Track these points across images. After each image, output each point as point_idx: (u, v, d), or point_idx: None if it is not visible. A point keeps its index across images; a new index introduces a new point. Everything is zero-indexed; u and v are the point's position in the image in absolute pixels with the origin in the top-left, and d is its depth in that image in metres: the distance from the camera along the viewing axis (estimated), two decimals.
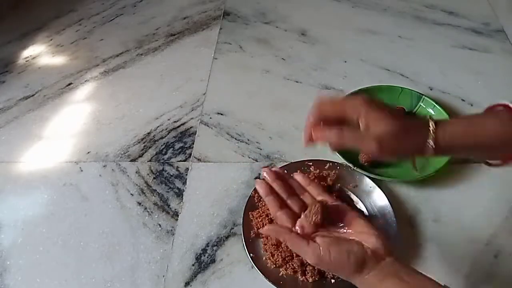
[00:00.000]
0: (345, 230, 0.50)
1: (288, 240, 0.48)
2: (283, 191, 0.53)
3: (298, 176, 0.57)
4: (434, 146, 0.44)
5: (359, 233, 0.48)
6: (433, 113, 0.79)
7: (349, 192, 0.69)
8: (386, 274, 0.45)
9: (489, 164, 0.51)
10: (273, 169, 0.56)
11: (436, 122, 0.45)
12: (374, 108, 0.44)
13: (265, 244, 0.62)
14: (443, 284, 0.44)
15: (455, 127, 0.45)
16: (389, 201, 0.65)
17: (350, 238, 0.48)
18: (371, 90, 0.83)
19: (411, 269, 0.45)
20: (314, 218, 0.49)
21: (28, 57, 1.04)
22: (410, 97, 0.81)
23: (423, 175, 0.68)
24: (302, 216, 0.50)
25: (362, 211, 0.66)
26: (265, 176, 0.55)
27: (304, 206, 0.52)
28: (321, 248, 0.46)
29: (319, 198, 0.53)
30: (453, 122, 0.47)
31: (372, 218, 0.65)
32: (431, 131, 0.44)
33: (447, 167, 0.69)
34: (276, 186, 0.54)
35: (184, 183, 0.74)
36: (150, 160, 0.78)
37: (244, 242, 0.63)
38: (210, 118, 0.85)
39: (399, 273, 0.44)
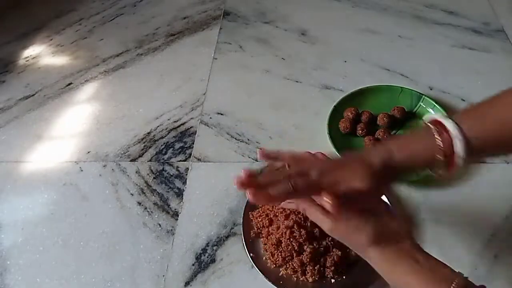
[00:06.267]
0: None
1: (307, 207, 0.46)
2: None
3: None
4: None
5: (382, 214, 0.47)
6: (433, 113, 0.79)
7: None
8: (403, 254, 0.44)
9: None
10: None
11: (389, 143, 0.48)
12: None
13: (265, 244, 0.62)
14: (457, 271, 0.43)
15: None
16: (389, 201, 0.65)
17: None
18: (371, 90, 0.83)
19: (428, 255, 0.45)
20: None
21: (28, 57, 1.04)
22: (410, 97, 0.81)
23: (423, 175, 0.68)
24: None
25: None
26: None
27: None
28: (339, 215, 0.44)
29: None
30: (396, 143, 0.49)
31: None
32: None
33: None
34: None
35: (184, 183, 0.74)
36: (150, 160, 0.78)
37: (244, 242, 0.63)
38: (210, 118, 0.85)
39: (416, 255, 0.44)
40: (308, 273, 0.59)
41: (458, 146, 0.44)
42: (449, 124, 0.45)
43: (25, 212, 0.72)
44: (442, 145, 0.44)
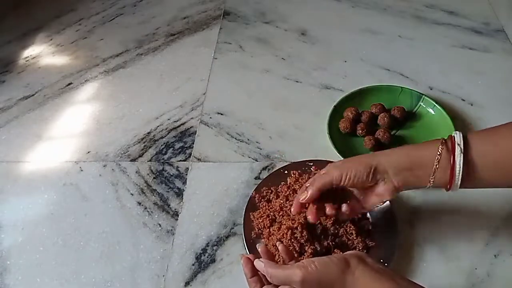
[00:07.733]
0: None
1: (272, 272, 0.48)
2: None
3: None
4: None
5: None
6: (433, 112, 0.79)
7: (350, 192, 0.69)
8: (380, 274, 0.44)
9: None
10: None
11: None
12: None
13: (266, 245, 0.62)
14: None
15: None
16: (389, 201, 0.65)
17: None
18: (371, 90, 0.83)
19: (410, 281, 0.45)
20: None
21: (28, 57, 1.04)
22: (410, 97, 0.81)
23: None
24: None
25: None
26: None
27: None
28: (304, 262, 0.46)
29: None
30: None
31: (372, 218, 0.65)
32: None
33: None
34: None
35: (184, 183, 0.74)
36: (150, 160, 0.78)
37: (245, 243, 0.63)
38: (210, 118, 0.85)
39: (396, 278, 0.44)
40: None
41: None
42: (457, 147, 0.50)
43: (25, 212, 0.72)
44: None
